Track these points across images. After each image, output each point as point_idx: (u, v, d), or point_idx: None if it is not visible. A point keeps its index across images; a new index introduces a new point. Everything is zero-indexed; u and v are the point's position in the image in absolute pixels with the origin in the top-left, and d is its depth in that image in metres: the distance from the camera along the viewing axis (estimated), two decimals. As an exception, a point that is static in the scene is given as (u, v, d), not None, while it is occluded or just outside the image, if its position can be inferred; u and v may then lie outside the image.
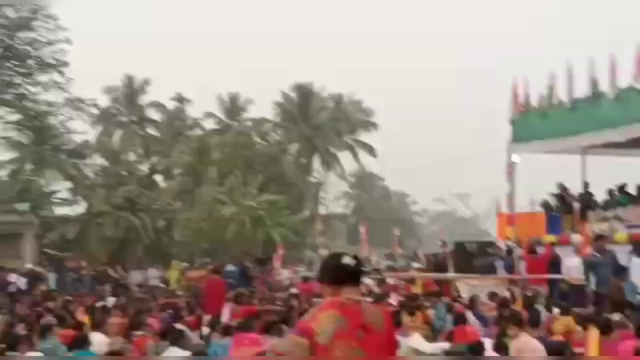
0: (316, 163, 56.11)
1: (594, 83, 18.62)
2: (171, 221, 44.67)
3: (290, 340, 3.99)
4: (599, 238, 13.27)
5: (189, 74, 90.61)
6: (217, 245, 42.93)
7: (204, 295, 16.09)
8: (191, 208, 44.99)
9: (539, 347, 9.07)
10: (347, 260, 4.02)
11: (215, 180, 45.98)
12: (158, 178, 53.31)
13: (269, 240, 42.36)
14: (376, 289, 20.66)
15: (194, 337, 13.25)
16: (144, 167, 52.83)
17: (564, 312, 12.12)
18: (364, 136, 55.75)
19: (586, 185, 21.35)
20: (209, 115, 54.90)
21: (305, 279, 24.08)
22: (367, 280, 22.38)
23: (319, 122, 52.48)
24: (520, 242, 19.75)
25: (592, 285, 12.45)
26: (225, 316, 15.05)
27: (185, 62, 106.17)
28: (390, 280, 21.56)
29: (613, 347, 8.79)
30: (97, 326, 11.47)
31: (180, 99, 55.88)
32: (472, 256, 20.34)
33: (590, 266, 12.48)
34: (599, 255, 12.60)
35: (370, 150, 55.19)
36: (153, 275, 31.73)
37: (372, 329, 3.96)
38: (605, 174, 23.59)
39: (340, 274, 4.04)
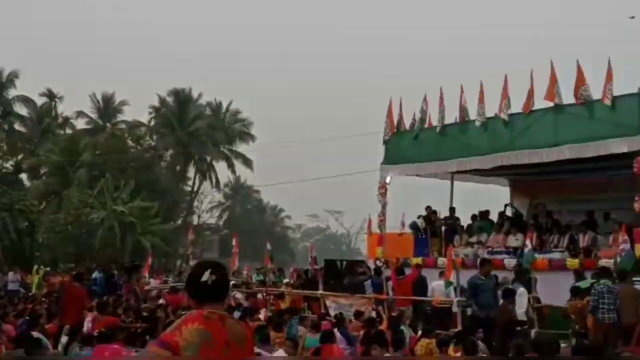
0: (191, 171, 55.39)
1: (463, 110, 19.37)
2: (35, 223, 42.65)
3: (153, 354, 3.81)
4: (485, 262, 13.80)
5: (61, 70, 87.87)
6: (83, 250, 41.44)
7: (64, 302, 15.39)
8: (57, 210, 43.29)
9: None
10: (206, 277, 3.94)
11: (84, 183, 44.52)
12: (23, 177, 50.96)
13: (139, 247, 41.40)
14: (245, 303, 20.54)
15: (51, 346, 12.70)
16: (9, 165, 50.38)
17: (427, 333, 12.47)
18: (241, 147, 55.55)
19: (452, 210, 22.14)
20: (81, 114, 53.00)
21: (174, 290, 23.60)
22: (237, 295, 22.24)
23: (196, 129, 51.74)
24: (389, 263, 20.22)
25: (475, 307, 12.93)
26: (87, 325, 14.52)
27: (58, 57, 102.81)
28: (260, 295, 21.50)
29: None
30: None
31: (51, 95, 53.69)
32: (342, 274, 20.66)
33: (474, 288, 12.93)
34: (484, 278, 13.10)
35: (246, 161, 54.99)
36: (12, 279, 30.07)
37: (235, 346, 3.92)
38: (472, 198, 24.62)
39: (200, 291, 3.96)
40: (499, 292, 13.27)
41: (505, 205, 22.25)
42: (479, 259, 18.61)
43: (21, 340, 10.57)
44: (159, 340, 3.88)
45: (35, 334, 12.83)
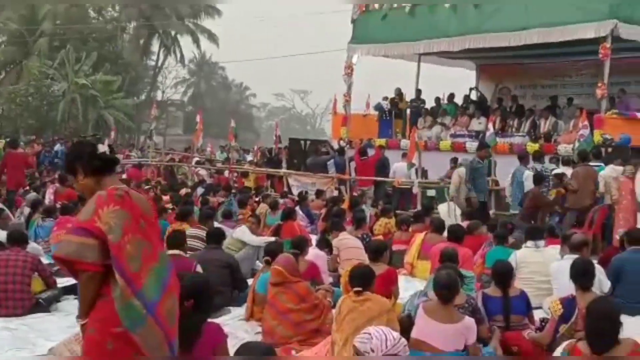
0: (155, 46, 54.07)
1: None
2: (-6, 93, 41.65)
3: (74, 242, 3.70)
4: (483, 147, 13.72)
5: None
6: (45, 122, 40.81)
7: (3, 167, 15.56)
8: (17, 81, 42.25)
9: (358, 244, 9.55)
10: (104, 148, 3.91)
11: (45, 53, 43.27)
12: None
13: (102, 122, 40.92)
14: (209, 180, 20.67)
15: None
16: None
17: (386, 212, 12.72)
18: (207, 22, 54.05)
19: (418, 92, 22.10)
20: (40, -18, 50.72)
21: (138, 165, 23.57)
22: (201, 171, 22.33)
23: (160, 1, 49.99)
24: (352, 143, 20.32)
25: (473, 193, 12.87)
26: (49, 198, 14.54)
27: None
28: (225, 173, 21.61)
29: (432, 246, 9.39)
30: None
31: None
32: (305, 153, 20.77)
33: (473, 171, 12.86)
34: (482, 162, 13.08)
35: (212, 37, 53.67)
36: (-29, 149, 29.63)
37: (148, 218, 3.95)
38: (438, 83, 24.55)
39: (97, 164, 3.90)
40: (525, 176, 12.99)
41: (471, 89, 22.26)
42: (442, 141, 18.89)
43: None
44: (75, 228, 3.77)
45: (-3, 204, 12.87)
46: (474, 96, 21.88)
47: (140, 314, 3.72)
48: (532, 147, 16.60)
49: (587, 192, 11.93)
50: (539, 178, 12.51)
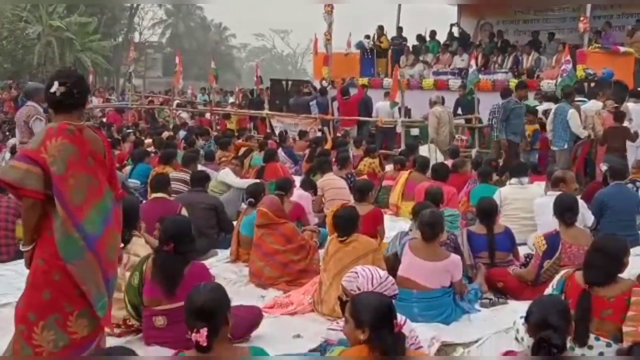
0: (130, -15, 52.83)
1: None
2: (-33, 38, 40.69)
3: (20, 168, 3.74)
4: (524, 87, 13.18)
5: None
6: (20, 67, 40.09)
7: None
8: (-10, 25, 41.32)
9: (343, 184, 9.55)
10: (55, 88, 3.88)
11: (17, -5, 42.24)
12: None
13: (79, 65, 40.21)
14: (190, 123, 20.50)
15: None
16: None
17: (370, 152, 12.68)
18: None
19: (400, 30, 21.85)
20: None
21: (119, 110, 23.29)
22: (183, 114, 22.11)
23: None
24: (334, 83, 20.13)
25: (503, 134, 12.41)
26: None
27: None
28: (206, 115, 21.40)
29: (413, 185, 9.41)
30: None
31: None
32: (287, 94, 20.58)
33: (508, 111, 12.37)
34: (519, 102, 12.63)
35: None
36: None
37: (98, 156, 4.01)
38: (419, 20, 24.31)
39: (51, 101, 3.94)
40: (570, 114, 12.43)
41: (452, 25, 22.03)
42: (424, 80, 18.77)
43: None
44: (22, 156, 3.82)
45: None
46: (455, 32, 21.68)
47: (78, 246, 3.83)
48: (514, 83, 16.55)
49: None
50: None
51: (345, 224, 5.83)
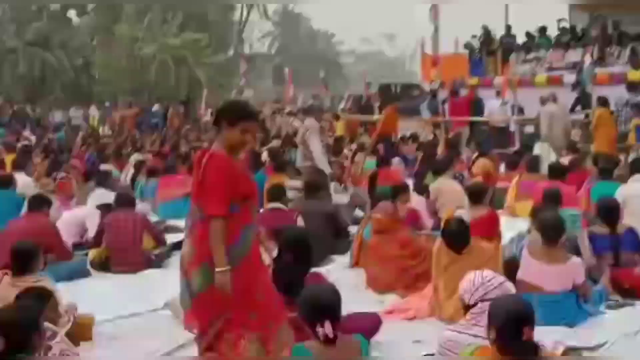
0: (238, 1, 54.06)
1: None
2: (90, 60, 42.98)
3: None
4: None
5: None
6: (139, 85, 41.91)
7: None
8: (109, 46, 43.38)
9: (457, 187, 9.44)
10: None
11: (133, 17, 44.13)
12: (72, 14, 50.70)
13: (194, 80, 41.61)
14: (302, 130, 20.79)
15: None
16: (55, 3, 49.95)
17: (484, 153, 12.49)
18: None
19: (508, 28, 21.43)
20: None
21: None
22: (295, 122, 22.45)
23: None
24: (444, 84, 19.98)
25: None
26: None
27: None
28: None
29: (530, 185, 9.24)
30: (20, 167, 11.16)
31: None
32: (397, 98, 20.58)
33: None
34: None
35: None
36: (75, 114, 30.98)
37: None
38: (529, 18, 23.71)
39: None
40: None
41: (558, 21, 21.29)
42: (536, 76, 18.33)
43: (91, 173, 10.99)
44: None
45: (103, 167, 13.41)
46: (565, 24, 20.94)
47: None
48: (633, 74, 15.92)
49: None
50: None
51: (455, 240, 5.76)
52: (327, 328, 3.40)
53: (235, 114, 4.07)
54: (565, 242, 6.00)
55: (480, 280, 4.10)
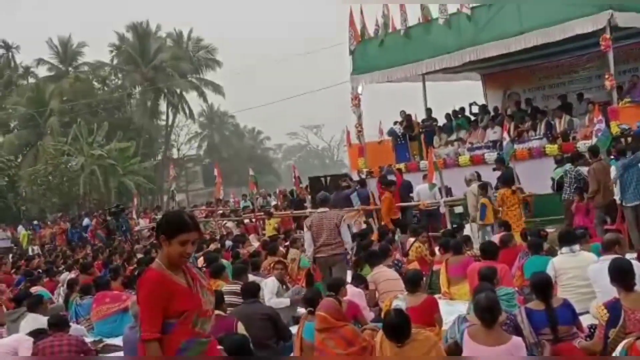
0: (162, 106, 54.63)
1: (425, 9, 19.22)
2: (15, 177, 42.30)
3: None
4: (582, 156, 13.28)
5: (9, 20, 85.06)
6: (68, 199, 41.32)
7: None
8: (35, 162, 42.92)
9: (394, 275, 9.51)
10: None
11: (57, 131, 43.97)
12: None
13: (123, 189, 41.32)
14: (236, 231, 20.74)
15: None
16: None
17: (415, 235, 12.66)
18: (209, 75, 54.77)
19: (429, 111, 22.12)
20: (41, 61, 51.78)
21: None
22: (228, 224, 22.41)
23: (160, 62, 50.81)
24: (373, 172, 20.33)
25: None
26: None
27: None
28: (247, 220, 21.66)
29: (459, 268, 9.43)
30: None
31: (6, 46, 52.50)
32: (328, 190, 20.76)
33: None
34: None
35: (216, 88, 54.34)
36: (1, 236, 30.15)
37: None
38: (447, 97, 24.58)
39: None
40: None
41: (470, 104, 22.15)
42: (460, 157, 18.87)
43: (22, 298, 10.63)
44: None
45: (36, 289, 12.99)
46: (475, 109, 21.79)
47: None
48: (550, 148, 16.56)
49: (609, 188, 11.81)
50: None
51: (397, 332, 5.75)
52: None
53: (171, 227, 4.04)
54: (506, 321, 6.09)
55: None
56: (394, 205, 15.53)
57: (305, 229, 10.49)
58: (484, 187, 13.96)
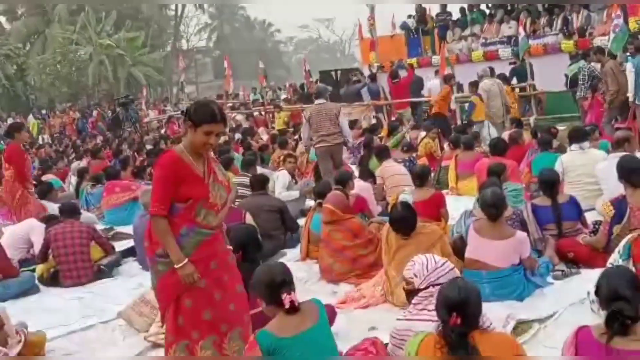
0: (171, -6, 53.44)
1: None
2: (23, 66, 42.02)
3: None
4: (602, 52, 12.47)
5: None
6: (77, 88, 41.16)
7: None
8: (43, 51, 42.51)
9: (402, 170, 9.54)
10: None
11: (65, 19, 43.30)
12: (1, 20, 49.47)
13: (132, 80, 41.07)
14: (245, 124, 20.73)
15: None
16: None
17: (427, 131, 12.62)
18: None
19: (444, 5, 21.63)
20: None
21: (174, 120, 23.66)
22: (238, 116, 22.36)
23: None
24: (383, 67, 20.08)
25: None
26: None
27: None
28: (257, 113, 21.60)
29: (468, 164, 9.43)
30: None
31: None
32: (338, 84, 20.60)
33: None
34: None
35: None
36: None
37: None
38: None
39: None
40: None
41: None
42: (473, 52, 18.56)
43: (34, 185, 10.75)
44: None
45: (48, 177, 13.16)
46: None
47: None
48: (566, 44, 16.24)
49: (624, 86, 11.57)
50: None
51: (403, 224, 5.79)
52: (292, 295, 3.58)
53: (199, 116, 4.06)
54: (512, 216, 6.14)
55: (434, 265, 4.16)
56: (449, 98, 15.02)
57: (304, 121, 10.64)
58: (474, 84, 13.81)
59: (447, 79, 14.94)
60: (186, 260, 4.00)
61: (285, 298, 3.57)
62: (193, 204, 4.07)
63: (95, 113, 28.06)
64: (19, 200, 9.61)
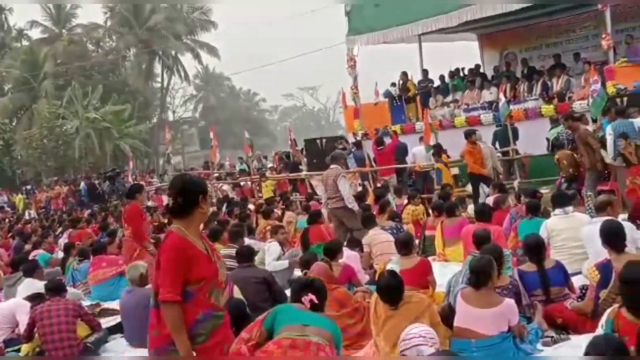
0: (157, 68, 54.12)
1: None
2: (10, 141, 42.15)
3: None
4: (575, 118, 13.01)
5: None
6: (64, 162, 41.22)
7: None
8: (30, 125, 42.73)
9: (389, 237, 9.54)
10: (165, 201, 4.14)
11: (51, 94, 43.66)
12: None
13: (119, 152, 41.20)
14: (232, 194, 20.76)
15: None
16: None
17: (411, 199, 12.69)
18: (204, 36, 54.16)
19: (425, 72, 21.97)
20: (34, 23, 51.08)
21: (159, 191, 23.68)
22: (224, 187, 22.42)
23: (155, 24, 50.07)
24: (368, 134, 20.27)
25: None
26: (63, 242, 14.66)
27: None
28: (243, 183, 21.65)
29: (454, 230, 9.49)
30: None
31: (0, 8, 51.80)
32: (324, 152, 20.74)
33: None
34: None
35: (211, 50, 53.79)
36: (-2, 200, 30.20)
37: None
38: (443, 58, 24.42)
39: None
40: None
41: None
42: (456, 118, 18.81)
43: (19, 262, 10.66)
44: None
45: (37, 252, 13.08)
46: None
47: None
48: (546, 109, 16.53)
49: (597, 151, 11.70)
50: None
51: (390, 294, 5.74)
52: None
53: (203, 188, 4.07)
54: (508, 285, 6.16)
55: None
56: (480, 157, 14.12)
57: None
58: (437, 152, 14.48)
59: (467, 135, 14.30)
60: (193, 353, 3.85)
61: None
62: (205, 285, 3.93)
63: (65, 188, 28.13)
64: (137, 258, 9.61)
